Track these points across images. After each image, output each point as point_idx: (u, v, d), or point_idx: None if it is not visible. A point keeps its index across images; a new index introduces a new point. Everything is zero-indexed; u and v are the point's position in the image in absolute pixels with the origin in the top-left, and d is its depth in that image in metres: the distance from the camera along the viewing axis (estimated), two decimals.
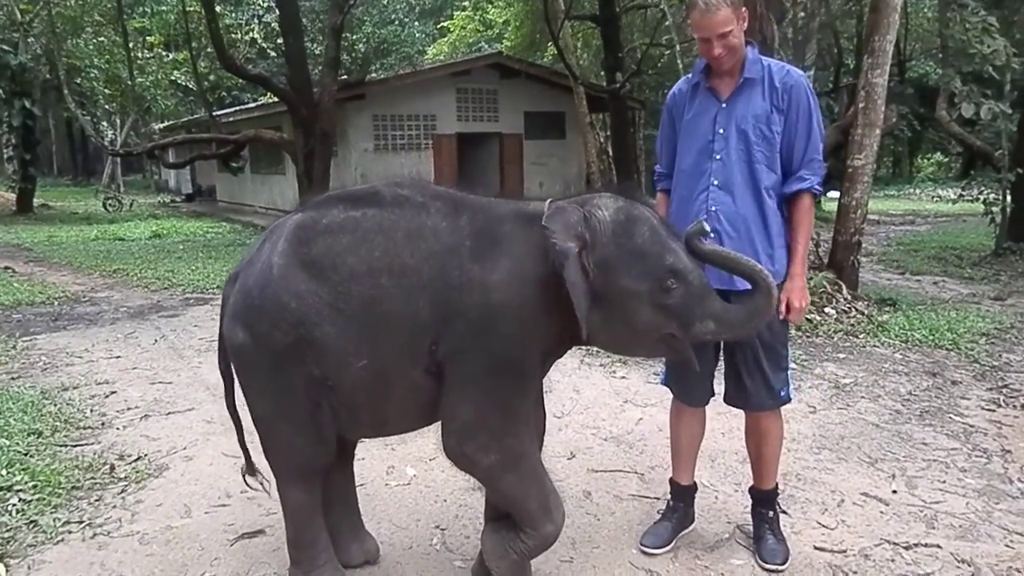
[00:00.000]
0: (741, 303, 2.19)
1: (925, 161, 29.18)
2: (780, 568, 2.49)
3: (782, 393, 2.51)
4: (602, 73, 15.83)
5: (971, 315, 5.96)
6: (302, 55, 11.65)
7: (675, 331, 2.14)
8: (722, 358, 2.58)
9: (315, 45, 19.19)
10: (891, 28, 5.86)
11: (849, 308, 5.92)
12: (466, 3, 20.61)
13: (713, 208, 2.43)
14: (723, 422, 3.75)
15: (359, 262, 2.10)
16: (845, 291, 6.12)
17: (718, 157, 2.43)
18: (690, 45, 10.00)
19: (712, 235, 2.31)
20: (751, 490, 2.69)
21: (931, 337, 5.29)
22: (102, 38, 18.57)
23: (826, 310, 5.80)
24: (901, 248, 10.58)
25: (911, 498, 3.01)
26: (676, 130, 2.56)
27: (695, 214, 2.45)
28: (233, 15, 24.19)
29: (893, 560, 2.56)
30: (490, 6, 20.03)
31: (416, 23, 28.22)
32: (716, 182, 2.43)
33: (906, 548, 2.63)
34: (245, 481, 2.50)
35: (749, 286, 2.38)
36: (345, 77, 13.81)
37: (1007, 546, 2.65)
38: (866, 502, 2.98)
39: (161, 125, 23.01)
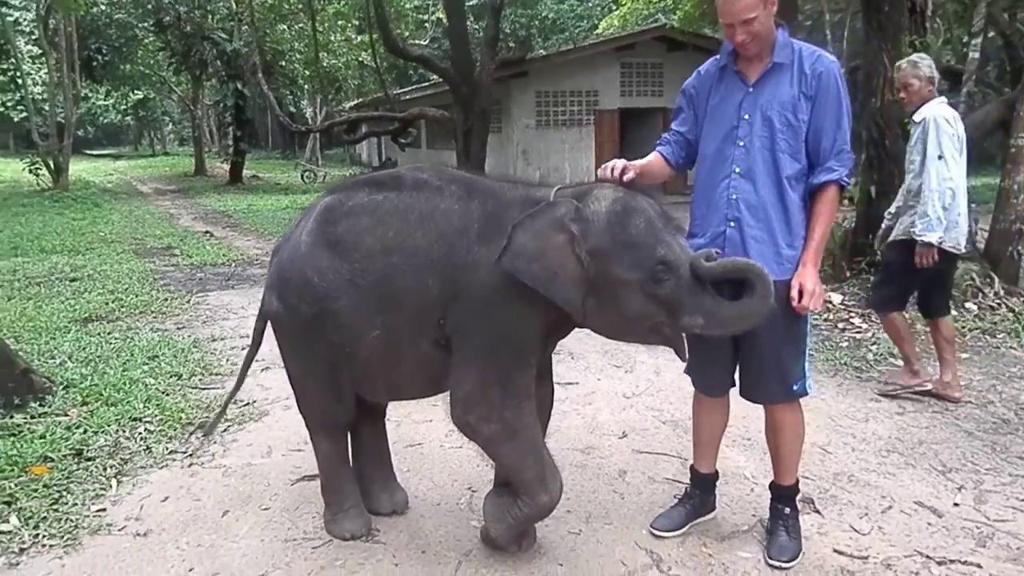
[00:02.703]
0: (736, 302, 2.17)
1: None
2: (784, 565, 2.44)
3: (795, 387, 2.44)
4: None
5: None
6: (464, 35, 12.12)
7: (665, 320, 2.19)
8: None
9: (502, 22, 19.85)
10: None
11: (998, 304, 5.33)
12: None
13: (734, 196, 2.38)
14: None
15: (375, 241, 2.33)
16: (998, 285, 5.51)
17: (741, 144, 2.37)
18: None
19: (718, 254, 2.23)
20: (770, 485, 2.64)
21: None
22: (301, 24, 20.29)
23: (967, 305, 5.27)
24: None
25: (973, 513, 2.78)
26: (693, 104, 2.51)
27: (716, 201, 2.43)
28: None
29: (918, 573, 2.42)
30: None
31: None
32: (738, 169, 2.38)
33: (939, 563, 2.47)
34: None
35: (778, 277, 2.34)
36: (511, 48, 14.14)
37: None
38: (916, 511, 2.79)
39: (351, 103, 24.85)
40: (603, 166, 2.32)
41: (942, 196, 3.59)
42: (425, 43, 24.45)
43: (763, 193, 2.34)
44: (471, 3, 21.44)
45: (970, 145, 3.89)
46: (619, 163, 2.29)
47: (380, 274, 2.31)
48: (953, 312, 5.11)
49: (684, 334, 2.27)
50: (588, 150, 15.79)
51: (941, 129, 3.63)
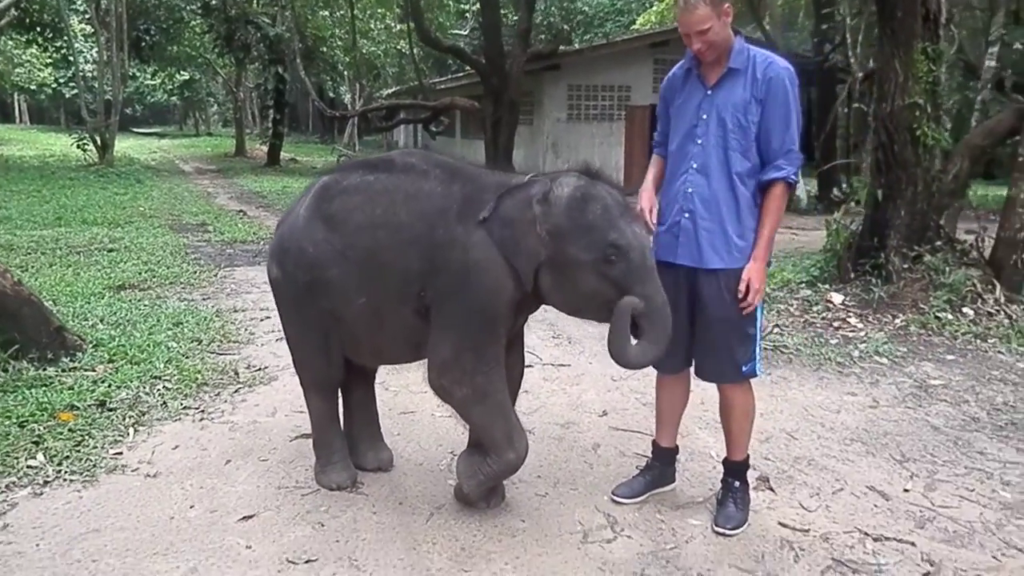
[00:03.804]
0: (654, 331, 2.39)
1: None
2: (728, 532, 2.64)
3: (744, 368, 2.62)
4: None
5: None
6: (497, 27, 12.35)
7: (615, 299, 2.40)
8: None
9: (536, 15, 19.93)
10: None
11: (997, 311, 5.40)
12: None
13: (689, 190, 2.58)
14: (768, 404, 3.82)
15: (364, 218, 2.57)
16: (999, 292, 5.58)
17: (699, 142, 2.57)
18: None
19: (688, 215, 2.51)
20: (723, 461, 2.84)
21: None
22: (342, 12, 20.67)
23: (963, 310, 5.35)
24: None
25: (920, 498, 2.94)
26: (667, 107, 2.73)
27: (675, 194, 2.63)
28: None
29: (852, 547, 2.59)
30: None
31: None
32: (695, 165, 2.58)
33: (875, 539, 2.64)
34: None
35: (720, 265, 2.53)
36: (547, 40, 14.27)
37: (994, 557, 2.56)
38: (865, 494, 2.97)
39: (388, 91, 25.22)
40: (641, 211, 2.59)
41: None
42: (465, 33, 24.70)
43: (716, 187, 2.54)
44: None
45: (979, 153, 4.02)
46: (647, 205, 2.59)
47: (367, 247, 2.55)
48: (948, 316, 5.24)
49: None
50: (618, 145, 15.92)
51: None
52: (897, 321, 5.34)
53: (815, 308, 5.67)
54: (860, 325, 5.31)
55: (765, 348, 4.77)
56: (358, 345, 2.75)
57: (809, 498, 2.93)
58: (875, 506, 2.88)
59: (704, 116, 2.57)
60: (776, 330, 5.14)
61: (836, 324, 5.33)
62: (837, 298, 5.85)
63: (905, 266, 5.84)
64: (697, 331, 2.65)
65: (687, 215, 2.59)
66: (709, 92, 2.57)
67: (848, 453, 3.33)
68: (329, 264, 2.59)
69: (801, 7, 19.32)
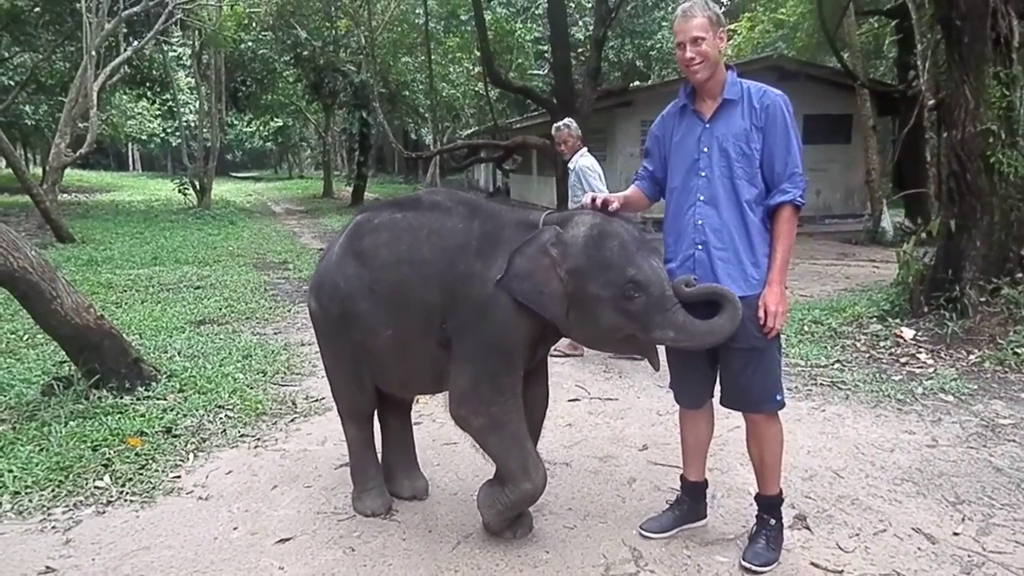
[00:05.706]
0: (706, 320, 2.39)
1: None
2: (755, 569, 2.58)
3: (777, 397, 2.60)
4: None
5: None
6: (567, 66, 12.55)
7: (637, 333, 2.43)
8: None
9: (611, 51, 20.08)
10: None
11: None
12: (757, 4, 20.01)
13: (700, 222, 2.59)
14: (817, 441, 3.71)
15: (390, 254, 2.71)
16: None
17: (703, 174, 2.59)
18: None
19: (696, 280, 2.50)
20: (756, 497, 2.78)
21: None
22: (423, 57, 21.48)
23: None
24: None
25: (971, 543, 2.79)
26: (659, 146, 2.75)
27: (684, 227, 2.64)
28: (540, 29, 26.28)
29: None
30: (780, 6, 19.21)
31: None
32: (702, 197, 2.59)
33: None
34: None
35: (739, 293, 2.52)
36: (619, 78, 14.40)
37: None
38: (910, 536, 2.84)
39: (469, 131, 25.88)
40: (589, 196, 2.62)
41: None
42: (544, 73, 25.17)
43: (726, 217, 2.55)
44: (583, 35, 21.91)
45: None
46: (601, 196, 2.59)
47: (393, 282, 2.68)
48: None
49: (658, 347, 2.51)
50: None
51: (589, 173, 5.21)
52: (971, 357, 5.06)
53: (883, 344, 5.45)
54: (930, 361, 5.06)
55: (822, 384, 4.64)
56: (387, 375, 2.86)
57: (848, 539, 2.83)
58: (919, 549, 2.75)
59: (705, 149, 2.59)
60: (836, 365, 4.98)
61: (903, 360, 5.11)
62: (908, 333, 5.61)
63: (982, 299, 5.55)
64: (721, 362, 2.63)
65: (700, 247, 2.59)
66: (707, 125, 2.59)
67: (896, 493, 3.19)
68: (358, 298, 2.73)
69: (886, 35, 18.81)
